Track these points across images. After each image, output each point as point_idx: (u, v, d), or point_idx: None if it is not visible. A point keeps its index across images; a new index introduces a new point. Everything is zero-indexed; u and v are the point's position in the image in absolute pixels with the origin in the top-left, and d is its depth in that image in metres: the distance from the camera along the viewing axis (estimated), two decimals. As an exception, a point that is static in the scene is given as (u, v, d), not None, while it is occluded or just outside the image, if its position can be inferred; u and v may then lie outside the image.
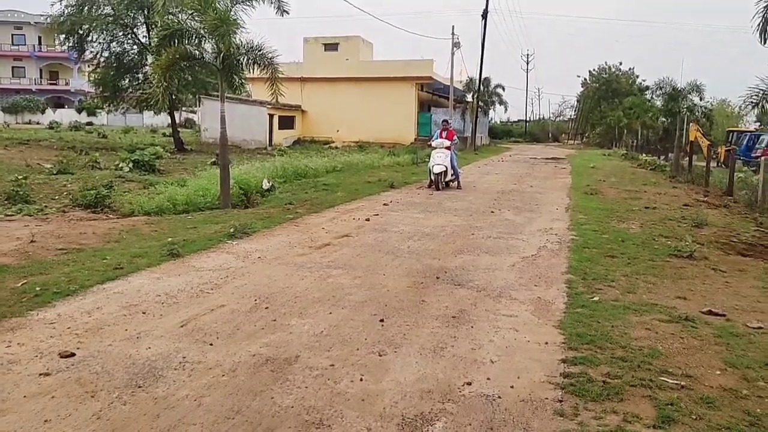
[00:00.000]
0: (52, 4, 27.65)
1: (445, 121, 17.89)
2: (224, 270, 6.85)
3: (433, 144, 16.23)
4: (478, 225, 10.35)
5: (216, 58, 11.93)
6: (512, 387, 3.94)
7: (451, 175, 16.06)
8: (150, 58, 29.25)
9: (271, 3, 11.56)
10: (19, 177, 13.69)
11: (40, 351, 4.36)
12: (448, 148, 15.88)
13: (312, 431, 3.35)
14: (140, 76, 30.23)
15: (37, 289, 5.82)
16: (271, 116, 36.19)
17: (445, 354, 4.50)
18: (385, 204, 12.78)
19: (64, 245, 7.97)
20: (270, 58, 12.23)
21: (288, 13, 11.80)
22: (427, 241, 8.87)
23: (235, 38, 11.68)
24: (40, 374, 3.98)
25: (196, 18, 11.92)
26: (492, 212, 11.90)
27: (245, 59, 12.14)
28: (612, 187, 17.52)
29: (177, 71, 11.92)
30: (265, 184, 14.81)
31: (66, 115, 60.25)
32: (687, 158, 22.86)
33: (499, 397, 3.79)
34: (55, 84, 69.91)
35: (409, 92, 41.09)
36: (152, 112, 45.43)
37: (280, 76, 12.74)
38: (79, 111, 62.86)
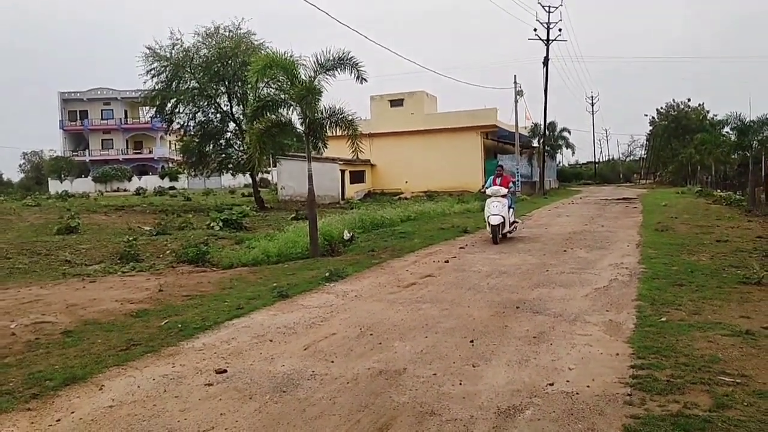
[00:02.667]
0: (144, 82, 30.43)
1: (500, 166, 16.47)
2: (328, 306, 7.88)
3: (488, 192, 14.98)
4: (551, 263, 11.05)
5: (302, 123, 13.33)
6: (588, 387, 4.70)
7: (510, 225, 15.00)
8: (231, 125, 31.72)
9: (351, 72, 12.82)
10: (129, 239, 15.37)
11: (199, 369, 5.43)
12: (504, 196, 14.67)
13: (426, 418, 4.23)
14: (222, 141, 32.59)
15: (179, 326, 6.99)
16: (342, 172, 37.89)
17: (529, 364, 5.30)
18: (461, 247, 13.64)
19: (188, 293, 9.23)
20: (350, 120, 13.51)
21: (367, 81, 12.97)
22: (504, 278, 9.67)
23: (319, 104, 13.05)
24: (205, 384, 5.03)
25: (273, 86, 13.32)
26: (564, 251, 12.55)
27: (328, 122, 13.45)
28: (684, 223, 17.73)
29: (269, 137, 13.29)
30: (346, 235, 15.96)
31: (150, 182, 64.43)
32: (765, 192, 22.68)
33: (577, 394, 4.56)
34: (140, 153, 75.16)
35: (474, 141, 42.16)
36: (230, 174, 48.33)
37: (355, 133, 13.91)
38: (162, 177, 67.06)
